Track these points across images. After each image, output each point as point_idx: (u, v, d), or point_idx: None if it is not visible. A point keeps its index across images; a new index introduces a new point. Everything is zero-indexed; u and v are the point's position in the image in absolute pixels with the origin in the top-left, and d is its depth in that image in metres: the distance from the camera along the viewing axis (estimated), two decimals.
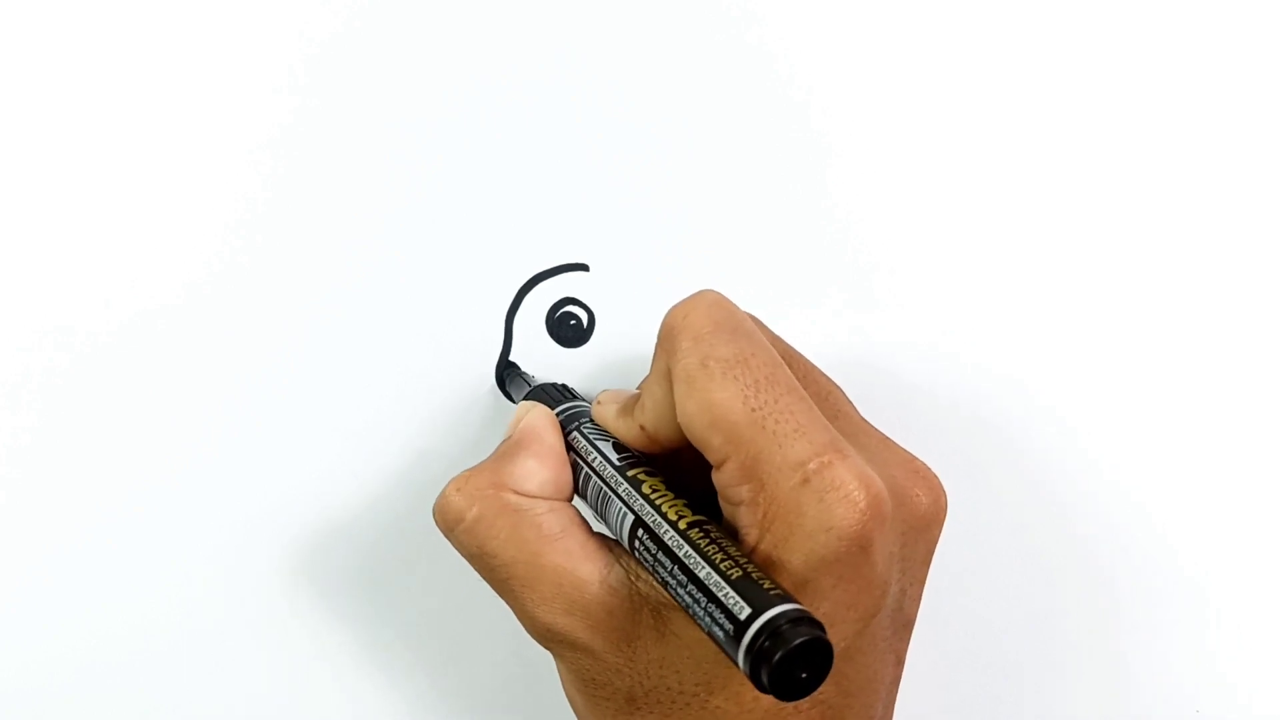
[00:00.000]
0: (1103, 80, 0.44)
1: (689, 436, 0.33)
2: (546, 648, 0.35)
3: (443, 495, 0.35)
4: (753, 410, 0.31)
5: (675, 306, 0.34)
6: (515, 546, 0.34)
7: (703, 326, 0.33)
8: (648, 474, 0.34)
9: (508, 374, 0.42)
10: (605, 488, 0.35)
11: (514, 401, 0.41)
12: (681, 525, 0.32)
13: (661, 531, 0.32)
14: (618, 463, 0.35)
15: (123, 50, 0.41)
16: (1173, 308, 0.44)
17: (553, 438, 0.36)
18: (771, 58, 0.43)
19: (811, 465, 0.31)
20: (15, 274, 0.41)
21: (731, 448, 0.32)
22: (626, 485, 0.34)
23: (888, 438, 0.36)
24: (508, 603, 0.35)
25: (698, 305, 0.34)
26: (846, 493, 0.31)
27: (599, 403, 0.37)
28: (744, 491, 0.32)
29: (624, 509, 0.34)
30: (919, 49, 0.43)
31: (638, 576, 0.34)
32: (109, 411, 0.41)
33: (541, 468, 0.36)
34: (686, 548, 0.31)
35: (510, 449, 0.36)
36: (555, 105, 0.42)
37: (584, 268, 0.43)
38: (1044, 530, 0.44)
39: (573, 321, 0.43)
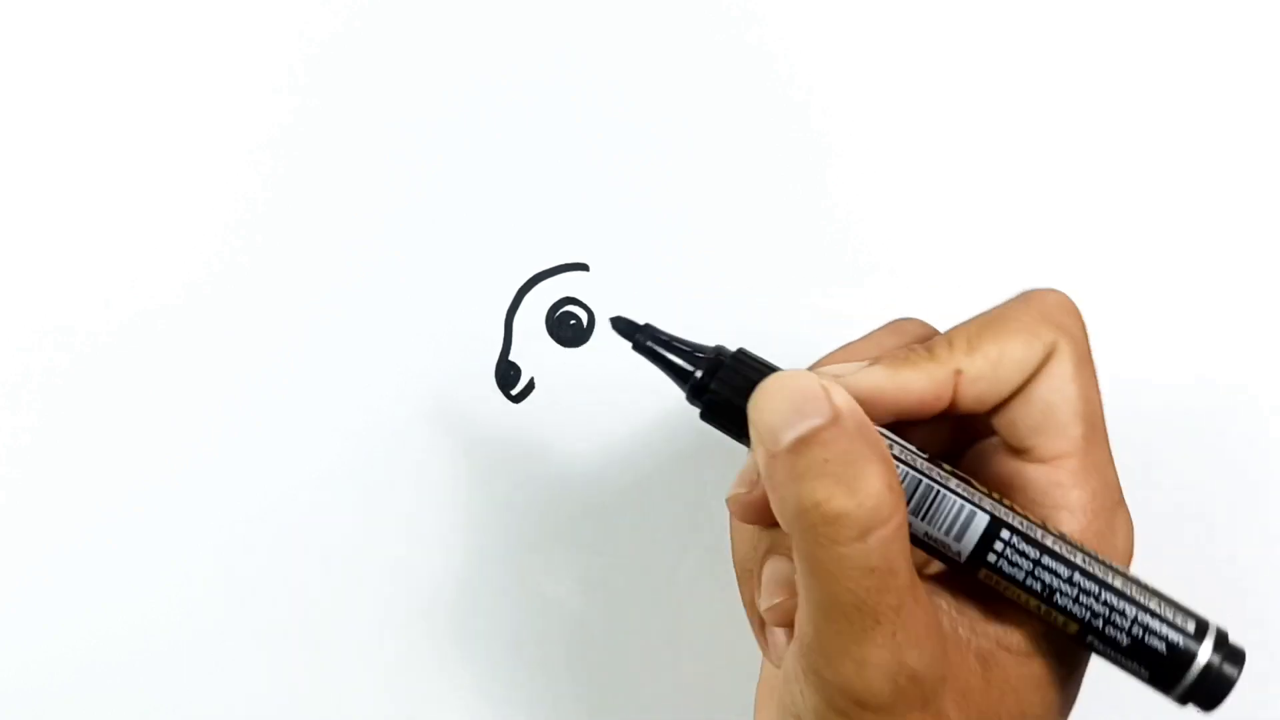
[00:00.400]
0: (1102, 79, 0.44)
1: (1035, 413, 0.31)
2: (879, 706, 0.28)
3: (866, 481, 0.28)
4: (1104, 422, 0.31)
5: (1055, 291, 0.32)
6: (909, 570, 0.28)
7: (1081, 324, 0.32)
8: (955, 471, 0.30)
9: (639, 336, 0.33)
10: (931, 483, 0.29)
11: (665, 360, 0.33)
12: (1053, 528, 0.29)
13: (1038, 535, 0.29)
14: (924, 454, 0.30)
15: (124, 50, 0.41)
16: (1173, 305, 0.44)
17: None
18: (771, 58, 0.43)
19: (1120, 492, 0.31)
20: (15, 274, 0.41)
21: (1085, 446, 0.31)
22: (956, 481, 0.30)
23: None
24: (860, 641, 0.28)
25: (1065, 298, 0.32)
26: (1132, 524, 0.32)
27: (837, 376, 0.31)
28: (1074, 496, 0.30)
29: (968, 508, 0.29)
30: (918, 49, 0.43)
31: (958, 618, 0.30)
32: (109, 411, 0.41)
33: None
34: (1082, 554, 0.29)
35: (877, 438, 0.29)
36: (555, 105, 0.42)
37: (584, 268, 0.43)
38: None
39: (573, 321, 0.43)
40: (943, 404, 0.31)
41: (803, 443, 0.28)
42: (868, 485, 0.27)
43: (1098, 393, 0.31)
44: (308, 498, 0.42)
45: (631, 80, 0.42)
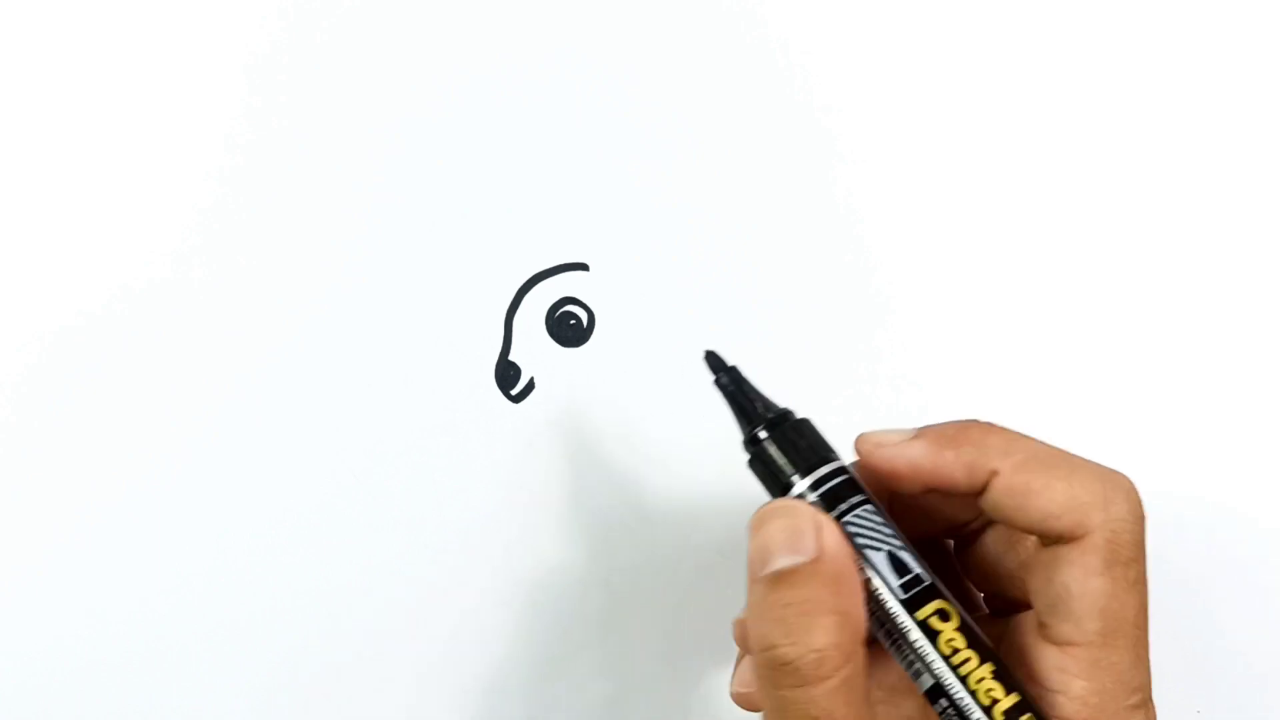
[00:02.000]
0: (1113, 79, 0.44)
1: (1052, 592, 0.32)
2: None
3: (813, 636, 0.30)
4: (1135, 628, 0.31)
5: (1127, 479, 0.32)
6: (856, 715, 0.30)
7: (1137, 528, 0.32)
8: (940, 616, 0.31)
9: (719, 370, 0.35)
10: (888, 624, 0.31)
11: (740, 407, 0.34)
12: (998, 715, 0.30)
13: (973, 717, 0.31)
14: (903, 594, 0.31)
15: (123, 53, 0.41)
16: (1182, 312, 0.44)
17: (855, 565, 0.32)
18: (772, 57, 0.43)
19: (1146, 694, 0.31)
20: (15, 274, 0.41)
21: (1099, 641, 0.31)
22: (918, 634, 0.31)
23: None
24: None
25: (1134, 495, 0.32)
26: None
27: (879, 444, 0.33)
28: (1077, 687, 0.31)
29: (918, 666, 0.31)
30: (925, 50, 0.43)
31: None
32: (108, 412, 0.41)
33: (864, 620, 0.31)
34: None
35: (842, 582, 0.31)
36: (555, 105, 0.42)
37: (584, 268, 0.43)
38: None
39: (572, 321, 0.43)
40: (972, 491, 0.32)
41: (777, 578, 0.30)
42: (814, 639, 0.29)
43: (1135, 594, 0.31)
44: (306, 497, 0.42)
45: (631, 80, 0.42)
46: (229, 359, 0.42)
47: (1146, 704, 0.32)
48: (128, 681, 0.42)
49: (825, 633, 0.30)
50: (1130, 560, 0.31)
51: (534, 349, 0.43)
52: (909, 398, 0.43)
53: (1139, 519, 0.32)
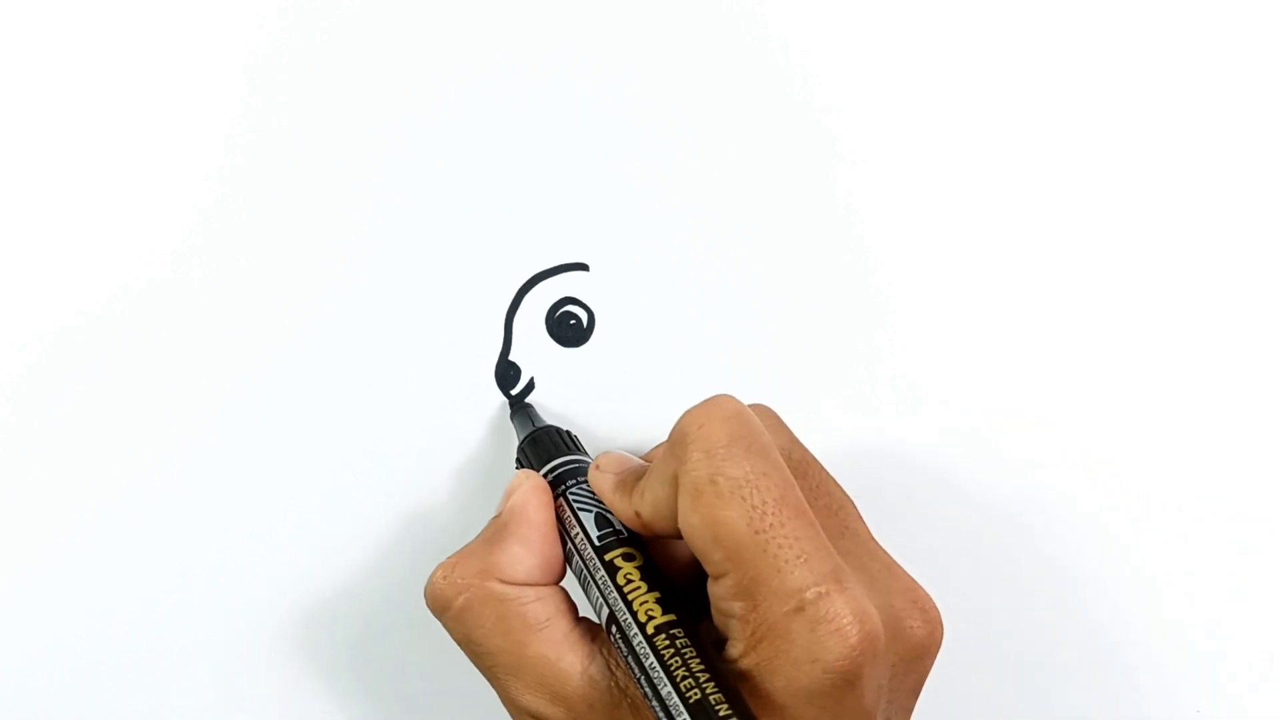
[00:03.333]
0: (1114, 79, 0.43)
1: (689, 545, 0.33)
2: None
3: (431, 580, 0.36)
4: (757, 533, 0.31)
5: (691, 411, 0.33)
6: (500, 636, 0.35)
7: (717, 440, 0.32)
8: (626, 558, 0.34)
9: (515, 407, 0.42)
10: (584, 569, 0.35)
11: (517, 433, 0.41)
12: (649, 629, 0.32)
13: (631, 634, 0.33)
14: (597, 542, 0.35)
15: (123, 53, 0.41)
16: (1185, 311, 0.44)
17: (543, 517, 0.36)
18: (773, 56, 0.43)
19: (808, 594, 0.31)
20: (15, 274, 0.41)
21: (731, 565, 0.32)
22: (603, 572, 0.34)
23: (893, 561, 0.36)
24: (493, 686, 0.36)
25: (713, 415, 0.33)
26: (839, 626, 0.31)
27: (597, 468, 0.36)
28: (736, 607, 0.32)
29: (600, 598, 0.34)
30: (925, 50, 0.43)
31: (617, 666, 0.34)
32: (108, 412, 0.41)
33: (528, 554, 0.36)
34: (652, 658, 0.32)
35: (498, 532, 0.36)
36: (555, 105, 0.42)
37: (584, 268, 0.43)
38: (1044, 530, 0.44)
39: (573, 321, 0.43)
40: (650, 535, 0.35)
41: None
42: (432, 577, 0.36)
43: (736, 510, 0.32)
44: (306, 498, 0.42)
45: (631, 80, 0.42)
46: (229, 359, 0.42)
47: (817, 601, 0.31)
48: (128, 681, 0.42)
49: (438, 571, 0.35)
50: (710, 478, 0.32)
51: (534, 349, 0.43)
52: (909, 398, 0.43)
53: (702, 433, 0.33)
